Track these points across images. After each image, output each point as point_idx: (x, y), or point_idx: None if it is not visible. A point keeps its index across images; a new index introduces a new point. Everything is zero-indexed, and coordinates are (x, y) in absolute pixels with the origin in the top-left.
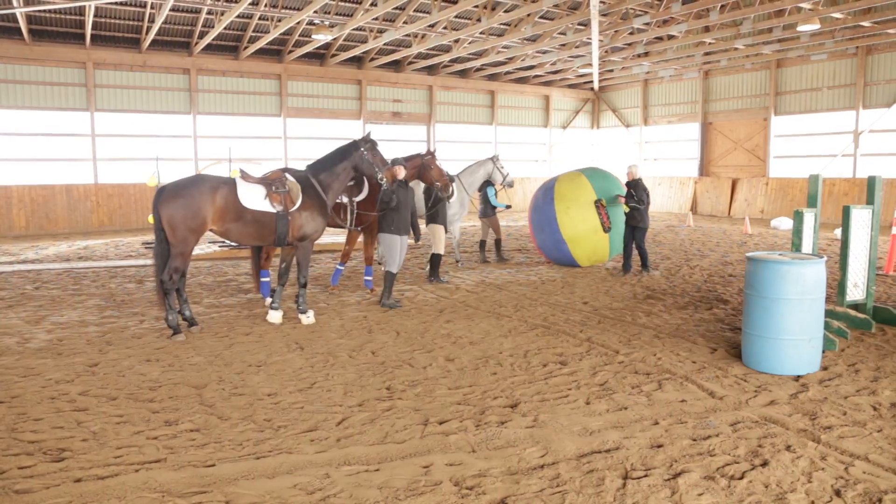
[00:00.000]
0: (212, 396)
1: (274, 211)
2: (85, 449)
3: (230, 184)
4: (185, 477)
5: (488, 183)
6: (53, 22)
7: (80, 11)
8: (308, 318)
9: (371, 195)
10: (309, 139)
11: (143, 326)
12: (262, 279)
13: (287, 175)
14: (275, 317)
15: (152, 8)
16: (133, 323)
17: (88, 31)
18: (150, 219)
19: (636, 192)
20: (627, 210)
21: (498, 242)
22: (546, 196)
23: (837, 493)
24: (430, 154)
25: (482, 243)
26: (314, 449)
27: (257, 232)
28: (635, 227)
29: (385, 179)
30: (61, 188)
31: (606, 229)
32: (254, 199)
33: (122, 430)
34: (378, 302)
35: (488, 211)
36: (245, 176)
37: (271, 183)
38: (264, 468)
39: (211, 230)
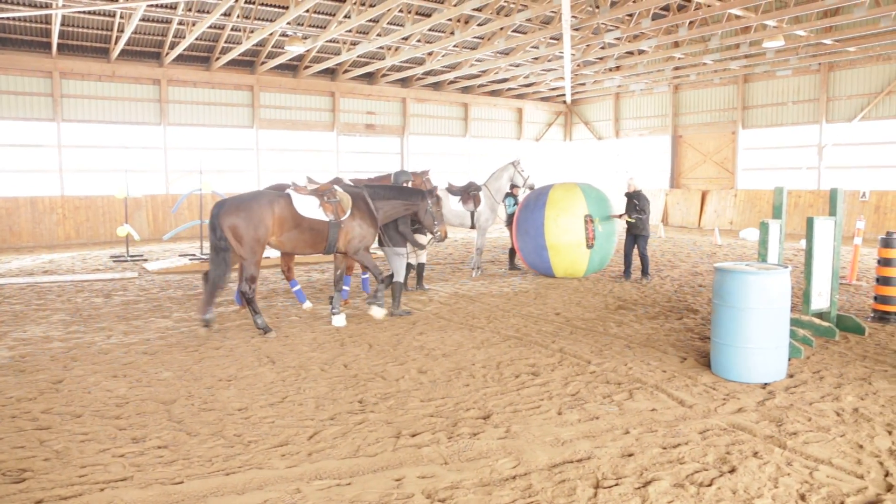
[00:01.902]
0: (181, 412)
1: (327, 220)
2: (47, 469)
3: (286, 196)
4: (153, 495)
5: (509, 194)
6: (18, 30)
7: (47, 20)
8: (378, 312)
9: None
10: (282, 151)
11: (111, 342)
12: (294, 288)
13: (336, 187)
14: (339, 321)
15: (122, 17)
16: (100, 338)
17: (55, 39)
18: (119, 231)
19: (639, 202)
20: (632, 221)
21: (512, 252)
22: (538, 200)
23: (802, 498)
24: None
25: (511, 251)
26: (285, 464)
27: (312, 239)
28: (637, 235)
29: (440, 233)
30: (25, 200)
31: (589, 245)
32: (309, 208)
33: (87, 448)
34: (378, 311)
35: (511, 220)
36: (297, 188)
37: (323, 193)
38: (234, 484)
39: (268, 241)
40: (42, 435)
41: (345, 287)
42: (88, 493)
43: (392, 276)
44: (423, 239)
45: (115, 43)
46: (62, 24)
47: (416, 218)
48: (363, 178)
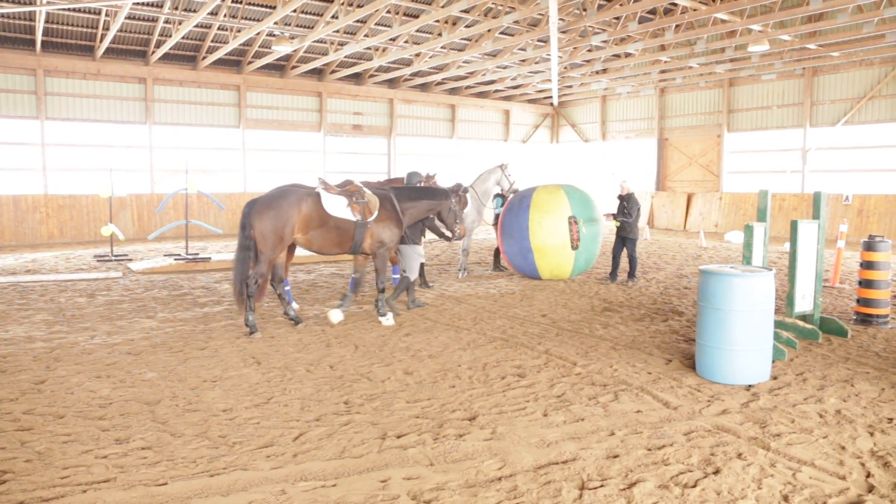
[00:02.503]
0: (165, 413)
1: (354, 220)
2: (28, 470)
3: (315, 195)
4: (136, 497)
5: (498, 195)
6: (1, 27)
7: (31, 17)
8: (388, 321)
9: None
10: (268, 151)
11: (94, 342)
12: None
13: (364, 189)
14: (335, 316)
15: (107, 15)
16: (83, 338)
17: (39, 37)
18: (103, 231)
19: (628, 205)
20: (618, 224)
21: (497, 252)
22: (522, 203)
23: (785, 499)
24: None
25: (497, 251)
26: (270, 465)
27: (338, 238)
28: (626, 237)
29: (459, 233)
30: (8, 199)
31: (574, 247)
32: (337, 207)
33: (70, 449)
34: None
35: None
36: (328, 187)
37: (352, 194)
38: (218, 486)
39: (295, 238)
40: (24, 436)
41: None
42: (71, 495)
43: (385, 285)
44: (448, 233)
45: (101, 41)
46: (46, 22)
47: (439, 217)
48: (373, 181)
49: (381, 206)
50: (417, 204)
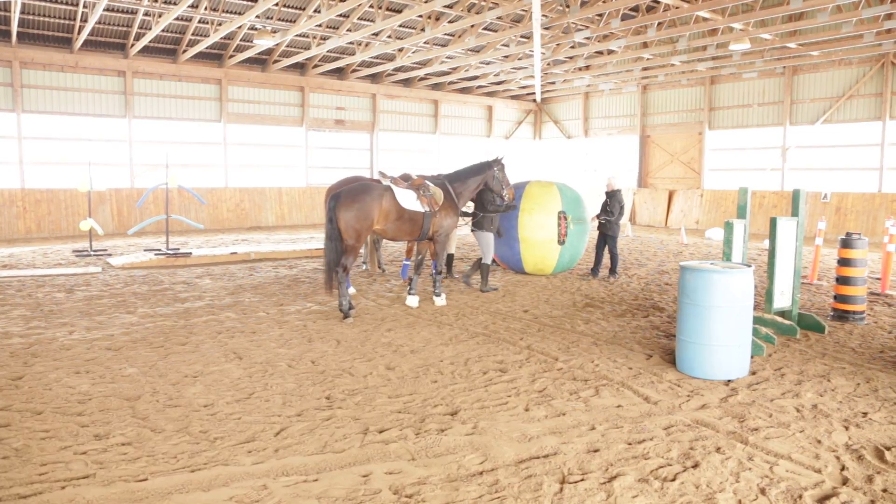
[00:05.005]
0: (145, 409)
1: (423, 210)
2: (5, 467)
3: (390, 190)
4: (115, 493)
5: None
6: None
7: (6, 7)
8: (440, 301)
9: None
10: (250, 146)
11: (73, 337)
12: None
13: (427, 182)
14: (412, 301)
15: (85, 6)
16: (62, 334)
17: (14, 28)
18: (82, 226)
19: (611, 202)
20: (599, 222)
21: None
22: (515, 193)
23: (762, 492)
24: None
25: None
26: (251, 460)
27: (411, 228)
28: (606, 234)
29: (508, 197)
30: None
31: (561, 241)
32: (409, 201)
33: (48, 445)
34: (478, 289)
35: None
36: (396, 181)
37: (419, 187)
38: (199, 481)
39: (374, 229)
40: (0, 433)
41: (406, 262)
42: (49, 492)
43: (447, 265)
44: (499, 205)
45: (79, 33)
46: (22, 12)
47: (487, 187)
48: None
49: (443, 196)
50: (467, 183)
